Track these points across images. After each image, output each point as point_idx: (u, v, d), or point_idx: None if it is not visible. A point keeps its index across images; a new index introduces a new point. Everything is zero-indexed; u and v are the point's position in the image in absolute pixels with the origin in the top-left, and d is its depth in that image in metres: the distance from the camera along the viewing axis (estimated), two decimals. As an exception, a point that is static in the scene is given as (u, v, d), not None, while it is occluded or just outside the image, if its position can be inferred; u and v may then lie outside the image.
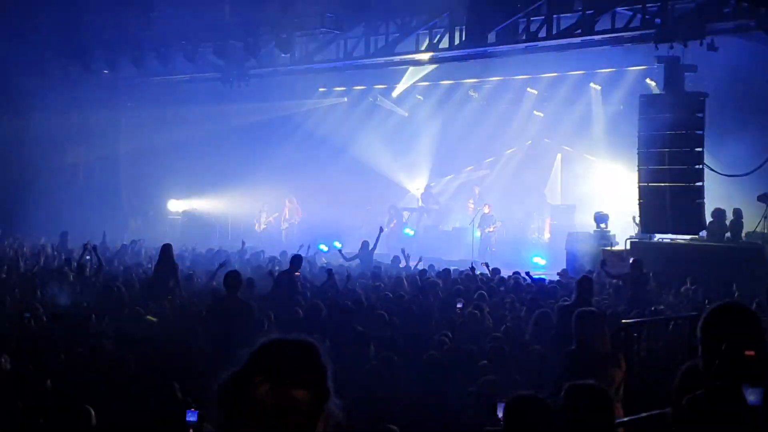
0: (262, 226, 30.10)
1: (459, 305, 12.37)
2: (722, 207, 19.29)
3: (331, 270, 15.35)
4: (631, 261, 15.99)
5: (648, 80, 22.99)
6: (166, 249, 14.57)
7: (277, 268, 16.50)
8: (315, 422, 2.35)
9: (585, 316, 7.53)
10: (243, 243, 23.29)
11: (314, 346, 2.44)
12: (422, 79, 27.94)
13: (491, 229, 25.59)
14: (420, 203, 29.87)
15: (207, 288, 14.58)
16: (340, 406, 2.43)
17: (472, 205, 27.56)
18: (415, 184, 30.62)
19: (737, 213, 19.26)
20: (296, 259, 14.71)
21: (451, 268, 18.45)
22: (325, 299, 12.68)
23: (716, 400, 3.10)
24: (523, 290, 14.94)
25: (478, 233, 25.93)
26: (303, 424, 2.34)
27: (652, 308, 12.45)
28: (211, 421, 6.40)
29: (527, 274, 16.93)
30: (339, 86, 30.39)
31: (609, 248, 20.39)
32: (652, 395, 7.49)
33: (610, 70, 25.28)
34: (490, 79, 27.59)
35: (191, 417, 5.99)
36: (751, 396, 2.51)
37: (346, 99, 31.19)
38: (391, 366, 8.16)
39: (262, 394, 2.31)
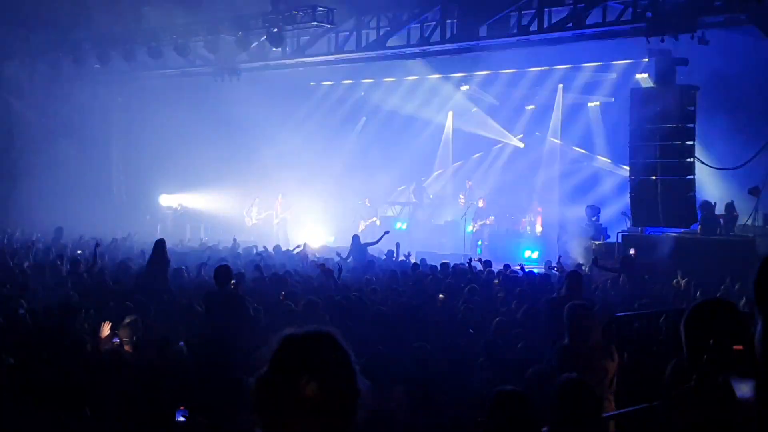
0: (253, 221, 30.06)
1: (441, 296, 12.43)
2: (714, 200, 19.37)
3: (323, 264, 15.36)
4: (624, 255, 16.03)
5: (638, 75, 23.08)
6: (160, 244, 14.54)
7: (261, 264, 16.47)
8: (356, 408, 2.39)
9: (576, 310, 7.54)
10: (234, 240, 23.25)
11: (334, 335, 2.47)
12: (413, 73, 27.98)
13: (485, 222, 25.62)
14: (413, 198, 29.86)
15: (196, 281, 14.58)
16: (368, 386, 2.45)
17: (464, 200, 27.57)
18: (407, 179, 30.61)
19: (729, 207, 19.32)
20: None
21: (442, 261, 18.45)
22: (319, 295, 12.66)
23: (706, 394, 3.12)
24: (515, 284, 14.94)
25: (471, 227, 25.94)
26: (350, 413, 2.37)
27: (643, 301, 12.47)
28: (205, 414, 6.41)
29: (506, 266, 17.09)
30: (328, 80, 30.41)
31: (600, 242, 20.43)
32: (643, 388, 7.51)
33: (602, 63, 25.36)
34: (481, 72, 27.64)
35: (180, 417, 5.98)
36: (740, 389, 2.52)
37: (338, 92, 31.13)
38: (383, 361, 8.15)
39: (312, 393, 2.33)
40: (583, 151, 27.16)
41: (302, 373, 2.35)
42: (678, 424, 3.42)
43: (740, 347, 2.96)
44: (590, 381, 5.31)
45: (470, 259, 17.35)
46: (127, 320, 9.54)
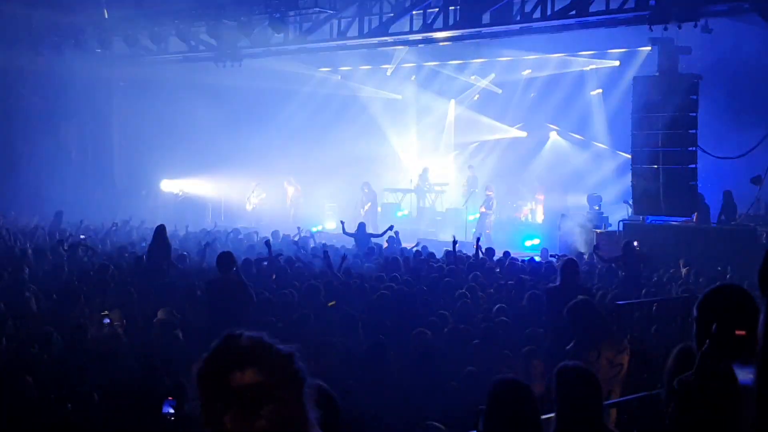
0: (251, 206, 30.07)
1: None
2: (716, 189, 19.43)
3: (326, 252, 15.36)
4: (623, 243, 16.04)
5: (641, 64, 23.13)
6: (160, 230, 14.55)
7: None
8: (304, 386, 2.38)
9: (578, 310, 7.47)
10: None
11: (267, 339, 2.45)
12: (416, 59, 27.94)
13: (485, 210, 25.63)
14: (417, 183, 29.81)
15: (198, 268, 14.60)
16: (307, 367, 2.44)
17: (465, 187, 27.55)
18: (411, 165, 30.59)
19: (728, 195, 19.34)
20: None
21: (445, 249, 18.45)
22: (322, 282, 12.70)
23: (708, 380, 3.11)
24: (517, 272, 14.96)
25: (477, 215, 25.97)
26: (299, 392, 2.37)
27: (643, 291, 12.49)
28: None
29: (506, 254, 17.13)
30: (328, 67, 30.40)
31: (602, 230, 20.44)
32: (644, 376, 7.52)
33: (605, 51, 25.32)
34: (484, 60, 27.60)
35: (168, 408, 6.01)
36: (743, 375, 2.51)
37: (339, 77, 31.10)
38: (383, 348, 8.17)
39: (251, 378, 2.31)
40: (587, 139, 27.12)
41: (236, 364, 2.33)
42: (679, 412, 3.42)
43: (743, 332, 2.92)
44: (606, 376, 5.32)
45: (478, 239, 17.40)
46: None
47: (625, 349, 7.26)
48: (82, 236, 19.00)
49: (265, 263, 14.67)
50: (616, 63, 25.57)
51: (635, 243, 16.58)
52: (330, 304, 11.12)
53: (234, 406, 2.30)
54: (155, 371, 7.16)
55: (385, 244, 19.91)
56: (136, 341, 9.14)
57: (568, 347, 7.27)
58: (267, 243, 15.39)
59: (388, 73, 29.70)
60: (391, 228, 20.21)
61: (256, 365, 2.34)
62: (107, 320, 9.44)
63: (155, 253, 14.22)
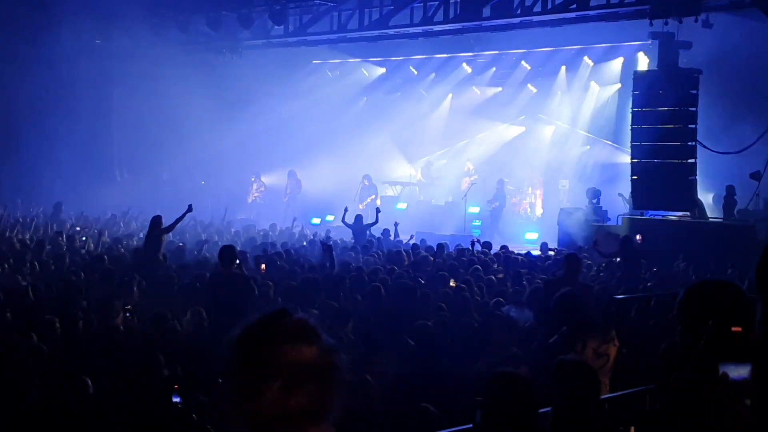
0: (252, 197, 30.07)
1: (451, 283, 12.37)
2: (717, 185, 19.47)
3: (324, 243, 15.36)
4: (624, 237, 16.05)
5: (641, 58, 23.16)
6: (156, 221, 14.55)
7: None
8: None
9: (562, 302, 7.44)
10: (225, 210, 23.02)
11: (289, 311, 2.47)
12: (415, 52, 27.94)
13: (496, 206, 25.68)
14: (420, 177, 29.81)
15: (195, 260, 14.61)
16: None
17: (468, 181, 27.53)
18: (410, 158, 30.59)
19: (730, 190, 19.35)
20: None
21: (438, 243, 18.46)
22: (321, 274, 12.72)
23: (701, 377, 3.10)
24: (516, 265, 14.97)
25: (477, 209, 26.01)
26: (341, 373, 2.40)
27: (641, 286, 12.51)
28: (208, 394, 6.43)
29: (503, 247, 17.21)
30: (331, 59, 30.38)
31: (600, 224, 20.43)
32: (641, 371, 7.53)
33: (605, 45, 25.29)
34: (484, 53, 27.57)
35: (177, 398, 6.08)
36: (736, 372, 2.52)
37: (339, 72, 31.11)
38: (376, 340, 8.18)
39: (312, 355, 2.33)
40: (586, 134, 27.11)
41: (289, 338, 2.34)
42: (675, 408, 3.41)
43: (739, 329, 2.91)
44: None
45: (473, 240, 17.38)
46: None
47: (612, 340, 7.25)
48: (77, 228, 19.03)
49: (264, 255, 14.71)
50: (619, 59, 25.55)
51: (638, 237, 16.59)
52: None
53: (279, 379, 2.31)
54: (155, 363, 7.18)
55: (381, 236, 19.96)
56: (135, 332, 9.14)
57: (552, 339, 7.28)
58: (264, 250, 15.44)
59: (384, 71, 29.78)
60: (378, 210, 20.36)
61: (308, 343, 2.36)
62: (129, 314, 9.52)
63: (151, 245, 14.25)
